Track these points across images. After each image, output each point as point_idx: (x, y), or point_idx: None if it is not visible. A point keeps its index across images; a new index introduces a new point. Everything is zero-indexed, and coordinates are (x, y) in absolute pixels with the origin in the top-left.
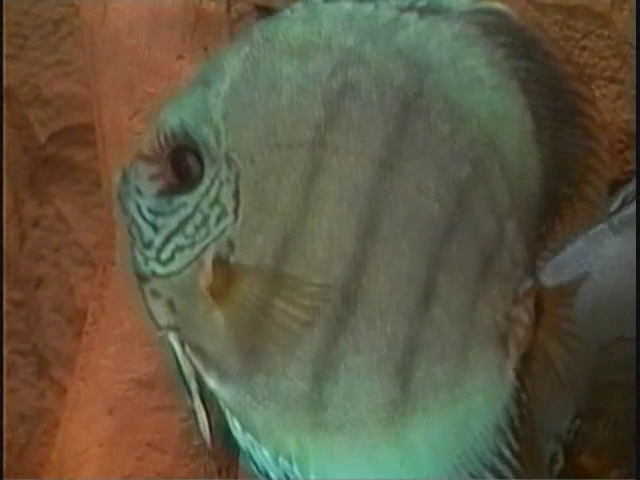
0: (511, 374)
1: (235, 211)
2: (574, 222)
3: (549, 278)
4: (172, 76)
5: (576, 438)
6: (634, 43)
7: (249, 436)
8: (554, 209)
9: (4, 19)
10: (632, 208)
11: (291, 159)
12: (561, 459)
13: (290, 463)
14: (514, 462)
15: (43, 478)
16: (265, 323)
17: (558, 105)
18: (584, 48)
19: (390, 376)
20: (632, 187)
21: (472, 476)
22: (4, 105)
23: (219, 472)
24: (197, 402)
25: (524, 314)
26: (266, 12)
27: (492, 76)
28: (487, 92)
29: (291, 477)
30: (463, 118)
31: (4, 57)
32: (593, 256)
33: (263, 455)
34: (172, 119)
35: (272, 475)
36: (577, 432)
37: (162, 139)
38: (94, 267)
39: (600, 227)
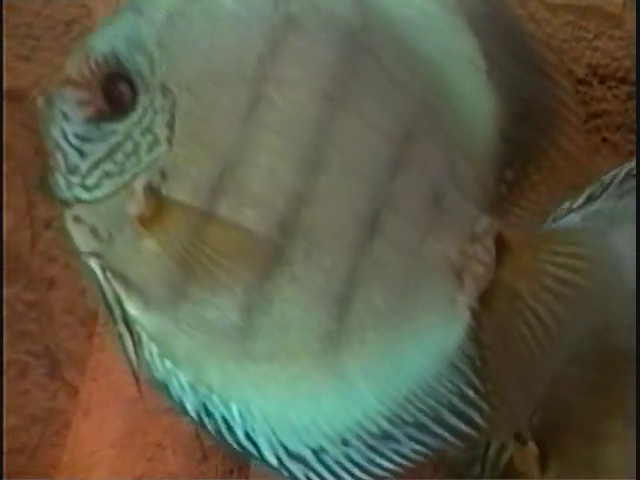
0: (465, 311)
1: (169, 140)
2: (556, 175)
3: None
4: None
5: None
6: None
7: (167, 363)
8: (521, 154)
9: (16, 21)
10: (596, 205)
11: (231, 91)
12: (511, 447)
13: (210, 391)
14: (481, 404)
15: (55, 479)
16: (195, 255)
17: (512, 47)
18: (596, 49)
19: (327, 308)
20: (597, 185)
21: (425, 414)
22: (16, 106)
23: (230, 473)
24: (122, 328)
25: (482, 252)
26: None
27: (439, 10)
28: (434, 27)
29: (210, 406)
30: (410, 53)
31: (17, 58)
32: (555, 248)
33: (180, 384)
34: (103, 45)
35: (188, 405)
36: (530, 419)
37: (92, 64)
38: None
39: (570, 219)
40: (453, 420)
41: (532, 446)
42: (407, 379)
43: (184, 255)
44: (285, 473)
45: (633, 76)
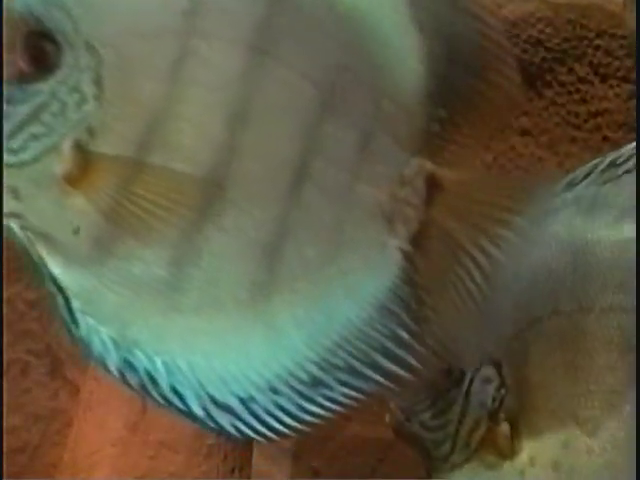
0: (396, 254)
1: (96, 98)
2: (490, 111)
3: None
4: None
5: (500, 407)
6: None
7: (89, 320)
8: (454, 93)
9: None
10: (576, 191)
11: (158, 46)
12: (484, 426)
13: (135, 346)
14: (416, 346)
15: (56, 478)
16: (124, 210)
17: None
18: (597, 47)
19: (256, 259)
20: (577, 172)
21: (357, 359)
22: None
23: (232, 472)
24: (51, 287)
25: (413, 194)
26: None
27: None
28: None
29: (134, 362)
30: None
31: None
32: (536, 231)
33: (102, 340)
34: (20, 4)
35: (110, 363)
36: (501, 401)
37: (10, 24)
38: None
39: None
40: (386, 363)
41: (505, 426)
42: (338, 325)
43: (112, 208)
44: (212, 424)
45: (634, 75)
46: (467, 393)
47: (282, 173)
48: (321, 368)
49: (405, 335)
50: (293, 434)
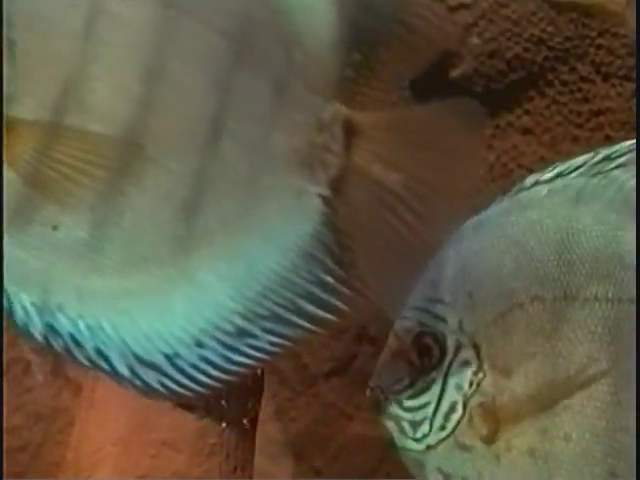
0: (316, 200)
1: (9, 62)
2: (407, 53)
3: (470, 236)
4: None
5: (476, 391)
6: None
7: (12, 288)
8: (369, 36)
9: None
10: (565, 181)
11: (68, 6)
12: (460, 409)
13: (58, 312)
14: (342, 289)
15: (59, 477)
16: (42, 176)
17: None
18: (599, 46)
19: (175, 215)
20: (568, 163)
21: (282, 306)
22: None
23: (234, 471)
24: None
25: (331, 140)
26: None
27: None
28: None
29: (57, 327)
30: None
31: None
32: (516, 216)
33: (24, 307)
34: None
35: (32, 329)
36: (478, 385)
37: None
38: None
39: (536, 191)
40: (312, 308)
41: (482, 410)
42: (260, 275)
43: (31, 174)
44: (138, 383)
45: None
46: (446, 375)
47: (198, 127)
48: (246, 318)
49: (329, 279)
50: (220, 385)
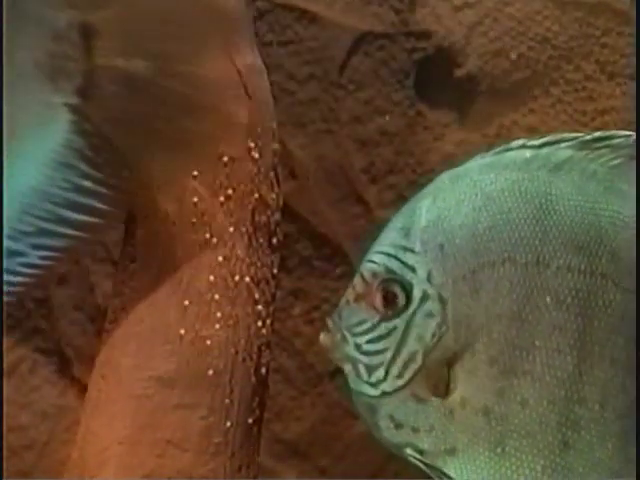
0: (64, 110)
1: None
2: None
3: (446, 188)
4: None
5: (438, 344)
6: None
7: None
8: None
9: None
10: (548, 150)
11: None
12: (419, 360)
13: None
14: (101, 190)
15: (64, 476)
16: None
17: None
18: (604, 45)
19: None
20: (558, 136)
21: (44, 219)
22: None
23: (239, 470)
24: None
25: (69, 48)
26: (285, 10)
27: None
28: None
29: None
30: None
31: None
32: (495, 174)
33: None
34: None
35: None
36: (440, 338)
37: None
38: (115, 265)
39: (519, 154)
40: (74, 215)
41: (440, 364)
42: (18, 193)
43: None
44: None
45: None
46: (408, 324)
47: None
48: (12, 238)
49: (87, 183)
50: None
